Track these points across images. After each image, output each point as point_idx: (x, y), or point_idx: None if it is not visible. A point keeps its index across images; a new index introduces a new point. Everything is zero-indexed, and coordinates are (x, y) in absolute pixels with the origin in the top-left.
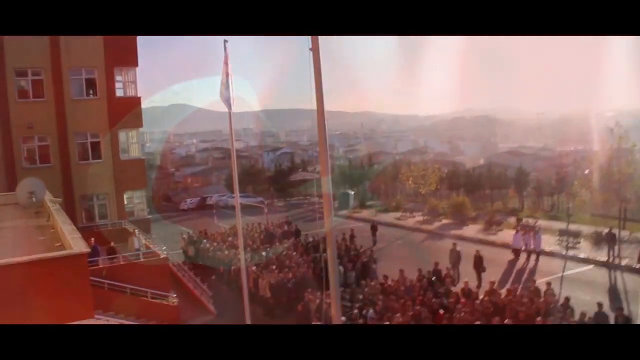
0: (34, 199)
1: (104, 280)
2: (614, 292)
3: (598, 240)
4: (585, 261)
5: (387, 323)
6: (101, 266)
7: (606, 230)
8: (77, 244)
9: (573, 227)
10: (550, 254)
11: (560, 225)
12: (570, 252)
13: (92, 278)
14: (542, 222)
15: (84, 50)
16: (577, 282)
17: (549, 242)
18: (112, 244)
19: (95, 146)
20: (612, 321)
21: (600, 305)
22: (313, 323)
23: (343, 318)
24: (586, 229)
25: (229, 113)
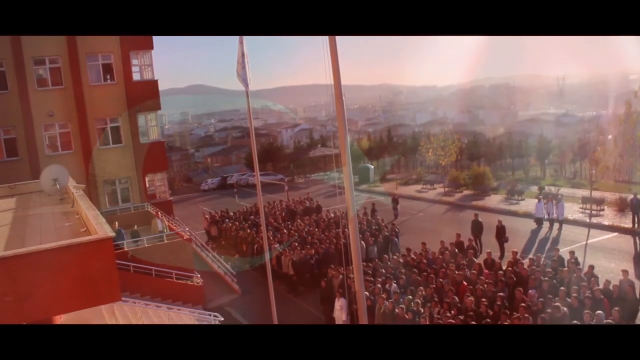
0: (58, 186)
1: (129, 263)
2: (639, 259)
3: (622, 206)
4: (610, 228)
5: (410, 297)
6: (126, 249)
7: (631, 196)
8: (101, 229)
9: (596, 194)
10: (574, 222)
11: (583, 192)
12: (594, 220)
13: (118, 261)
14: (564, 190)
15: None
16: (602, 250)
17: (572, 210)
18: (135, 227)
19: (115, 131)
20: (638, 289)
21: (625, 272)
22: (336, 322)
23: (366, 293)
24: (610, 196)
25: (246, 91)
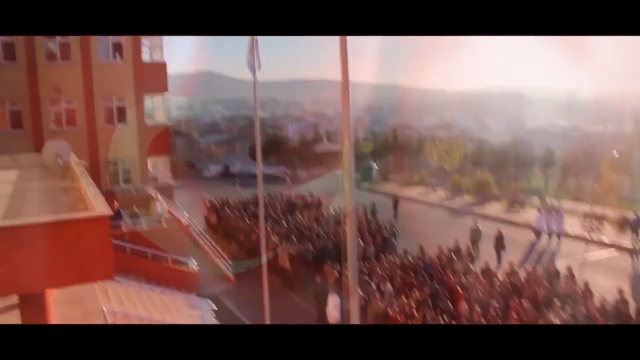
0: (59, 161)
1: (125, 244)
2: (636, 280)
3: (623, 224)
4: (609, 246)
5: (404, 298)
6: (124, 230)
7: (634, 217)
8: (100, 207)
9: (598, 209)
10: (573, 237)
11: (585, 207)
12: (594, 236)
13: (114, 241)
14: (566, 204)
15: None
16: (599, 267)
17: (572, 224)
18: (135, 208)
19: (121, 110)
20: (632, 309)
21: (620, 291)
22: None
23: (360, 291)
24: (612, 213)
25: (254, 80)
